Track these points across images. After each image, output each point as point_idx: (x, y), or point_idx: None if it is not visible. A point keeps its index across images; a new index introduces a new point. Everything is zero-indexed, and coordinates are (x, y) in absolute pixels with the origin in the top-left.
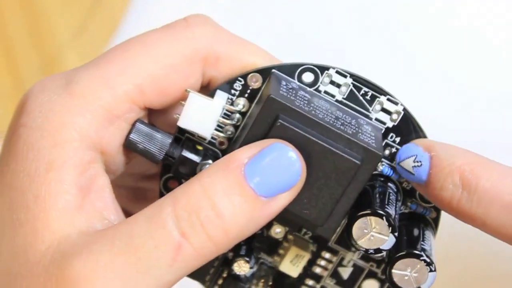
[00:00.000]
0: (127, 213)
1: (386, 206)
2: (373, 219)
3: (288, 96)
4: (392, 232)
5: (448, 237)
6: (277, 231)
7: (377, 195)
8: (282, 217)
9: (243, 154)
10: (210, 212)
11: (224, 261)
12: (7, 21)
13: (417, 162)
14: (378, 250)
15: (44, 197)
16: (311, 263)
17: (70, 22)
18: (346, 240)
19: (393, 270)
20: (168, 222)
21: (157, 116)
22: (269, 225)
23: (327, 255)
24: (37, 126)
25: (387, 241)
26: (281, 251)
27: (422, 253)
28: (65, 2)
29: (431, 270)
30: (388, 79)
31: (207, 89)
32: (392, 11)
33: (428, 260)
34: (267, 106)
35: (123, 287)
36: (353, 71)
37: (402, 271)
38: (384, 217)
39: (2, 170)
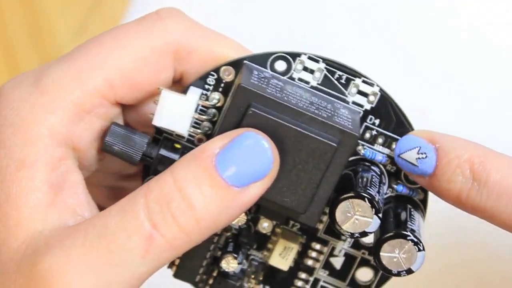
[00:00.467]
0: None
1: (368, 188)
2: (355, 201)
3: (260, 84)
4: (376, 213)
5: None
6: (265, 225)
7: (359, 179)
8: (266, 209)
9: (214, 144)
10: (181, 203)
11: (213, 260)
12: (7, 21)
13: (421, 154)
14: (364, 233)
15: (15, 195)
16: (302, 255)
17: (70, 22)
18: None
19: (381, 253)
20: (140, 214)
21: (131, 113)
22: (256, 220)
23: (317, 246)
24: (8, 124)
25: (372, 223)
26: (270, 246)
27: (409, 232)
28: (65, 2)
29: (419, 250)
30: (388, 79)
31: (180, 85)
32: (392, 11)
33: (415, 239)
34: (238, 95)
35: (96, 280)
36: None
37: (390, 253)
38: (366, 199)
39: None
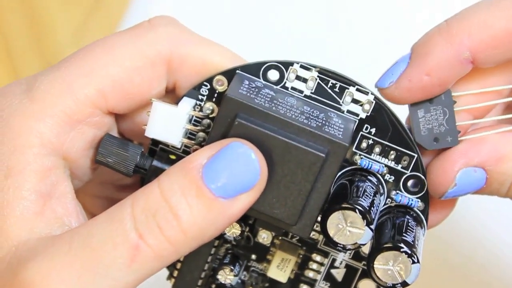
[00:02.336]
0: None
1: (360, 198)
2: (346, 213)
3: (248, 94)
4: (368, 225)
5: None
6: (264, 236)
7: (354, 189)
8: (260, 221)
9: (201, 155)
10: (168, 213)
11: (213, 271)
12: (7, 21)
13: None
14: (357, 245)
15: (2, 204)
16: (303, 267)
17: (70, 22)
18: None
19: (375, 265)
20: (126, 223)
21: (125, 122)
22: (255, 231)
23: (318, 257)
24: None
25: (364, 235)
26: (269, 257)
27: (402, 244)
28: (65, 2)
29: (413, 262)
30: None
31: (173, 95)
32: (391, 18)
33: (409, 251)
34: (225, 105)
35: None
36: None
37: (384, 265)
38: (356, 210)
39: None
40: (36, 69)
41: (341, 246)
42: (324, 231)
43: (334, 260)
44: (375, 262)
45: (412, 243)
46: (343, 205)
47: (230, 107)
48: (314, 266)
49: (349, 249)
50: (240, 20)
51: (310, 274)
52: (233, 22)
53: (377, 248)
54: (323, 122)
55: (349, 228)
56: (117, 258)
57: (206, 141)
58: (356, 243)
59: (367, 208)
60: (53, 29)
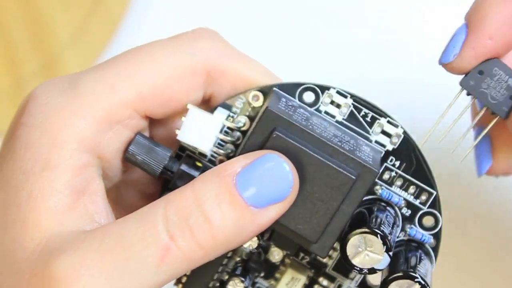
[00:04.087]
0: None
1: (382, 225)
2: (368, 237)
3: (287, 110)
4: (387, 251)
5: None
6: (275, 254)
7: (374, 217)
8: (278, 237)
9: (236, 163)
10: (200, 218)
11: (221, 284)
12: (7, 21)
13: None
14: (373, 270)
15: (36, 196)
16: (304, 284)
17: (70, 22)
18: (342, 261)
19: None
20: (158, 224)
21: (157, 128)
22: (267, 249)
23: (324, 282)
24: (37, 125)
25: (382, 261)
26: (277, 275)
27: (417, 274)
28: (65, 2)
29: None
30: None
31: (208, 106)
32: (396, 25)
33: (422, 282)
34: (265, 117)
35: (107, 285)
36: (354, 91)
37: None
38: (378, 235)
39: (0, 168)
40: (36, 69)
41: (358, 269)
42: (343, 252)
43: (340, 286)
44: None
45: (425, 275)
46: (367, 229)
47: (269, 120)
48: None
49: (364, 273)
50: (240, 20)
51: None
52: (233, 22)
53: (392, 275)
54: (355, 147)
55: (368, 252)
56: (147, 258)
57: (240, 150)
58: (373, 268)
59: (388, 236)
60: (53, 29)
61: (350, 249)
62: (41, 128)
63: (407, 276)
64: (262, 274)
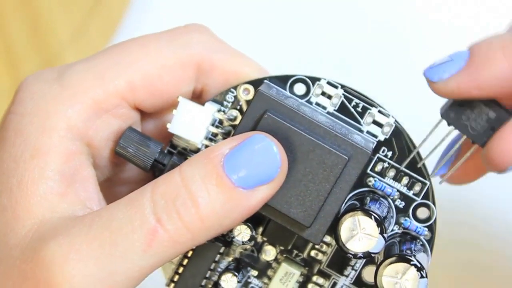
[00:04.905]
0: None
1: (376, 210)
2: (361, 218)
3: (277, 95)
4: (381, 233)
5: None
6: (268, 253)
7: (367, 201)
8: (271, 230)
9: (224, 145)
10: (187, 200)
11: (214, 285)
12: (7, 21)
13: (451, 56)
14: (368, 254)
15: (26, 182)
16: (302, 287)
17: (70, 22)
18: (336, 258)
19: (383, 276)
20: (146, 208)
21: (148, 122)
22: (260, 247)
23: (319, 279)
24: (27, 113)
25: (376, 243)
26: (270, 273)
27: (413, 257)
28: (65, 2)
29: (422, 276)
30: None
31: (199, 99)
32: (394, 24)
33: (418, 264)
34: (257, 100)
35: (97, 269)
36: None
37: (391, 277)
38: (372, 216)
39: None
40: (36, 69)
41: (353, 253)
42: (336, 236)
43: (335, 284)
44: (383, 273)
45: (421, 262)
46: (360, 210)
47: (261, 101)
48: None
49: (359, 257)
50: (240, 20)
51: None
52: (233, 22)
53: (387, 258)
54: (346, 132)
55: (362, 235)
56: (135, 242)
57: (232, 134)
58: (368, 251)
59: (382, 217)
60: (53, 29)
61: (344, 233)
62: (30, 116)
63: (402, 259)
64: (256, 273)
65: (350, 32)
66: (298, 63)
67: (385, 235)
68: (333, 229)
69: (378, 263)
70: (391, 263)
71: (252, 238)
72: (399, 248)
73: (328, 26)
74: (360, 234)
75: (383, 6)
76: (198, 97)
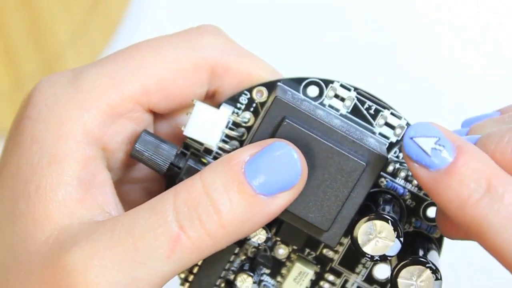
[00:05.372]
0: None
1: (390, 212)
2: (378, 223)
3: (294, 100)
4: (398, 237)
5: None
6: (281, 251)
7: (382, 203)
8: (285, 231)
9: (244, 152)
10: (209, 207)
11: (227, 283)
12: (7, 21)
13: (439, 145)
14: (384, 257)
15: (45, 188)
16: (314, 285)
17: (70, 22)
18: (348, 256)
19: (398, 279)
20: (168, 215)
21: (161, 123)
22: (272, 246)
23: (330, 277)
24: (42, 119)
25: (393, 246)
26: (283, 272)
27: (428, 260)
28: (65, 2)
29: (437, 278)
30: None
31: (213, 101)
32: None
33: (433, 267)
34: (274, 106)
35: (120, 276)
36: (358, 84)
37: (407, 279)
38: (389, 221)
39: (6, 162)
40: (36, 69)
41: (369, 256)
42: (353, 240)
43: (346, 281)
44: (399, 276)
45: (435, 263)
46: (377, 215)
47: (279, 109)
48: (326, 285)
49: (376, 260)
50: (240, 20)
51: None
52: (233, 22)
53: (403, 261)
54: (361, 136)
55: (378, 239)
56: (158, 248)
57: (249, 140)
58: (384, 254)
59: (398, 221)
60: (53, 29)
61: (361, 237)
62: (46, 122)
63: (417, 262)
64: (268, 271)
65: (350, 33)
66: (300, 63)
67: (401, 238)
68: (350, 232)
69: (393, 268)
70: (406, 265)
71: (267, 239)
72: (413, 246)
73: (330, 27)
74: (377, 238)
75: (383, 7)
76: (211, 98)
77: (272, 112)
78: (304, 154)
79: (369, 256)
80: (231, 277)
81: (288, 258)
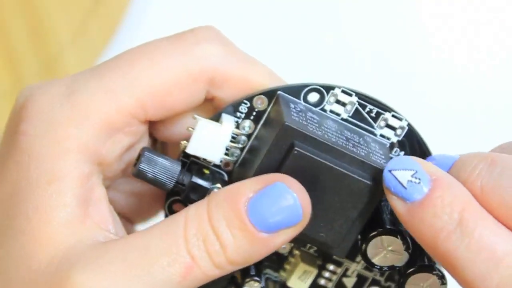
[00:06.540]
0: (126, 218)
1: (397, 223)
2: (387, 238)
3: (300, 120)
4: (406, 249)
5: None
6: (283, 246)
7: (388, 213)
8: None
9: (248, 188)
10: (215, 242)
11: (231, 279)
12: (7, 21)
13: (416, 178)
14: (392, 267)
15: (45, 209)
16: (317, 277)
17: (70, 22)
18: (355, 254)
19: (406, 286)
20: (180, 244)
21: (157, 127)
22: None
23: (331, 266)
24: (38, 135)
25: (401, 258)
26: (287, 267)
27: (435, 265)
28: (65, 2)
29: (443, 283)
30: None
31: (211, 104)
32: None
33: (440, 273)
34: (282, 133)
35: None
36: (358, 89)
37: (415, 285)
38: (398, 236)
39: (3, 177)
40: (36, 69)
41: (379, 267)
42: (364, 254)
43: (347, 270)
44: (407, 284)
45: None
46: (386, 231)
47: (287, 135)
48: (327, 274)
49: (385, 271)
50: (240, 21)
51: (322, 281)
52: (233, 22)
53: (410, 269)
54: (367, 149)
55: (388, 252)
56: (171, 275)
57: (256, 167)
58: (393, 265)
59: (407, 233)
60: (53, 29)
61: (370, 251)
62: (43, 139)
63: (425, 269)
64: (271, 266)
65: (350, 34)
66: (300, 63)
67: (410, 251)
68: (359, 243)
69: (400, 274)
70: (414, 273)
71: None
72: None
73: (330, 27)
74: (386, 251)
75: (384, 8)
76: (208, 101)
77: (279, 139)
78: (313, 179)
79: (378, 267)
80: (238, 280)
81: (290, 252)
